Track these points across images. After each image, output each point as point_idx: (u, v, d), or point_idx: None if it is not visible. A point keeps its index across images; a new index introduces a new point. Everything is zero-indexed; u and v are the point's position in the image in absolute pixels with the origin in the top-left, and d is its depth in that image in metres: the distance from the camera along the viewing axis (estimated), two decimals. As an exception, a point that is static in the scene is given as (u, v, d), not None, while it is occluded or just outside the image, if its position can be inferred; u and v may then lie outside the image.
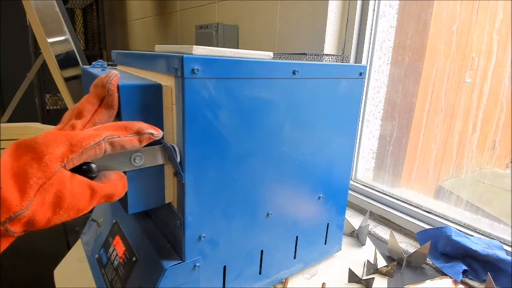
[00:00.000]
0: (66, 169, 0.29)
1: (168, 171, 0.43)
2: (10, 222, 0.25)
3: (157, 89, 0.40)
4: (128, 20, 2.30)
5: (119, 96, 0.37)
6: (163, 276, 0.43)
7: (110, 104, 0.36)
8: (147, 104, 0.40)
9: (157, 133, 0.36)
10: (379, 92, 0.98)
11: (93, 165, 0.32)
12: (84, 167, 0.31)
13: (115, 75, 0.36)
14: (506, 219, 0.76)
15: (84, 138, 0.29)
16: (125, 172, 0.37)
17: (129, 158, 0.37)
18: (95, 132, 0.31)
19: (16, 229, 0.26)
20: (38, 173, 0.26)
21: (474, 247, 0.64)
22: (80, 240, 0.70)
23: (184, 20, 1.60)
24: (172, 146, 0.40)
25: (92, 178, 0.32)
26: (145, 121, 0.38)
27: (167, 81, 0.41)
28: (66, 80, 1.18)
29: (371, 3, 0.88)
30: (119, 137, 0.32)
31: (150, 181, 0.42)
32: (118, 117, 0.38)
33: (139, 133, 0.34)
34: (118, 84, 0.37)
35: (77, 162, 0.30)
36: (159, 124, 0.41)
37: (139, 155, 0.38)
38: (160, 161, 0.40)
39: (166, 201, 0.45)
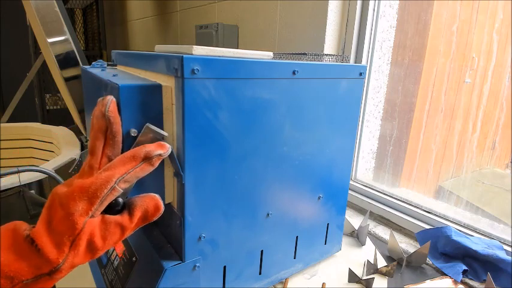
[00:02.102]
0: (95, 216, 0.33)
1: (168, 171, 0.43)
2: (55, 273, 0.31)
3: (157, 89, 0.40)
4: (128, 20, 2.30)
5: (119, 97, 0.37)
6: (163, 277, 0.43)
7: (113, 133, 0.36)
8: (146, 104, 0.39)
9: (164, 151, 0.36)
10: (379, 92, 0.98)
11: (119, 199, 0.35)
12: (113, 201, 0.34)
13: (111, 101, 0.35)
14: (506, 219, 0.76)
15: (97, 189, 0.32)
16: None
17: None
18: (107, 176, 0.33)
19: (61, 275, 0.32)
20: (69, 231, 0.31)
21: (474, 247, 0.64)
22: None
23: (184, 20, 1.60)
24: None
25: (119, 211, 0.35)
26: (146, 121, 0.38)
27: (167, 82, 0.41)
28: (66, 80, 1.18)
29: (371, 3, 0.88)
30: (129, 172, 0.34)
31: (150, 182, 0.42)
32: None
33: (147, 158, 0.35)
34: (118, 85, 0.37)
35: (101, 209, 0.33)
36: (159, 124, 0.41)
37: None
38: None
39: (166, 202, 0.45)
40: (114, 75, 0.45)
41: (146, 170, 0.35)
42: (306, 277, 0.62)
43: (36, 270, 0.30)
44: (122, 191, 0.33)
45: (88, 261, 0.34)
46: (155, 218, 0.37)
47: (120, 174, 0.33)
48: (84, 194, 0.32)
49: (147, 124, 0.38)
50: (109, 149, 0.36)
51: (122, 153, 0.36)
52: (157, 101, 0.40)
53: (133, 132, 0.38)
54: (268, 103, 0.47)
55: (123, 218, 0.35)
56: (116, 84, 0.37)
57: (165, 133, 0.38)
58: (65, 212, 0.31)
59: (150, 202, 0.36)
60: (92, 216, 0.32)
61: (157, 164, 0.36)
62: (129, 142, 0.38)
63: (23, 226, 0.32)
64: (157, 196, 0.37)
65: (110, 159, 0.36)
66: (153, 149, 0.35)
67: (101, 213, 0.34)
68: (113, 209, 0.35)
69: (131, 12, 2.21)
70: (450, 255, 0.68)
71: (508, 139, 0.87)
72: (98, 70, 0.54)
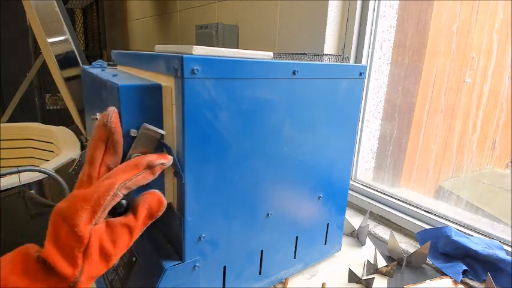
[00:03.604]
0: (99, 223, 0.33)
1: (168, 171, 0.43)
2: (74, 287, 0.31)
3: (157, 89, 0.40)
4: (128, 20, 2.30)
5: (118, 97, 0.37)
6: (163, 277, 0.43)
7: (114, 143, 0.36)
8: (147, 104, 0.39)
9: (166, 161, 0.37)
10: (379, 92, 0.98)
11: (122, 201, 0.35)
12: (116, 204, 0.35)
13: (113, 112, 0.36)
14: (506, 219, 0.76)
15: (99, 196, 0.32)
16: None
17: None
18: (109, 183, 0.33)
19: (84, 286, 0.32)
20: (78, 243, 0.31)
21: (474, 247, 0.64)
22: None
23: (184, 20, 1.60)
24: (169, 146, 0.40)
25: (123, 213, 0.36)
26: (145, 121, 0.38)
27: (167, 82, 0.41)
28: (66, 80, 1.18)
29: (371, 3, 0.88)
30: (131, 179, 0.34)
31: (150, 183, 0.40)
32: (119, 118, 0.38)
33: (150, 167, 0.36)
34: (117, 85, 0.37)
35: (103, 216, 0.33)
36: (159, 124, 0.41)
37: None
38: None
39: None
40: (114, 75, 0.45)
41: (147, 178, 0.36)
42: (306, 277, 0.62)
43: None
44: (122, 197, 0.34)
45: (105, 270, 0.33)
46: (160, 213, 0.37)
47: (122, 180, 0.34)
48: (86, 204, 0.32)
49: (144, 124, 0.38)
50: (109, 158, 0.36)
51: (122, 159, 0.37)
52: (157, 101, 0.40)
53: (133, 132, 0.38)
54: (268, 103, 0.47)
55: (128, 218, 0.35)
56: (116, 84, 0.37)
57: (162, 131, 0.39)
58: (69, 225, 0.31)
59: (153, 198, 0.37)
60: (96, 223, 0.32)
61: (158, 173, 0.37)
62: (129, 142, 0.38)
63: (33, 248, 0.32)
64: (158, 191, 0.38)
65: (109, 169, 0.36)
66: (155, 158, 0.36)
67: (105, 218, 0.34)
68: (116, 212, 0.35)
69: (131, 12, 2.21)
70: (450, 255, 0.68)
71: (508, 139, 0.87)
72: (98, 70, 0.54)
